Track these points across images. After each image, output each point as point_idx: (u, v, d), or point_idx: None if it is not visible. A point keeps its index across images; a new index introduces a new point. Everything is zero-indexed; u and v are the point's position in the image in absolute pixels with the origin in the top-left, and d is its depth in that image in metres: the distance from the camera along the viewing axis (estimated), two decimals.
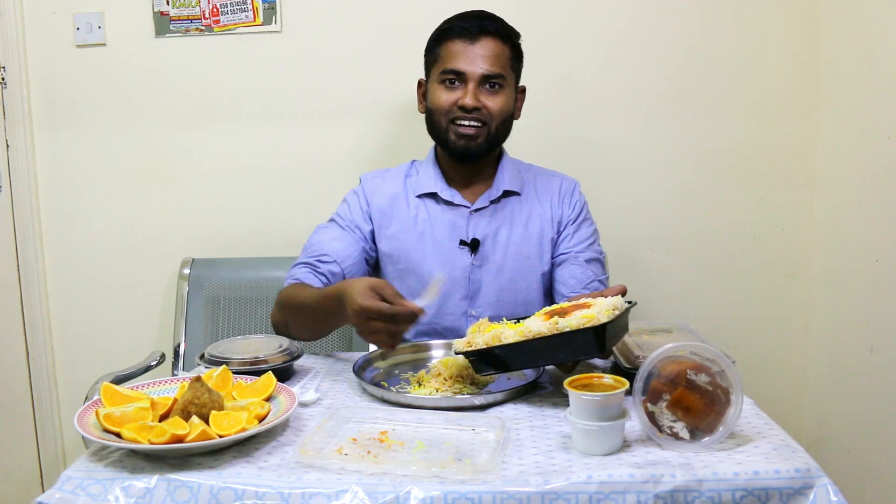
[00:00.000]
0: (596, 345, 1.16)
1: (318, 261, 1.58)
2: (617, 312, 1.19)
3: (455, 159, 1.63)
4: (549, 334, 1.18)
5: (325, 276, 1.57)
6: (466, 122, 1.57)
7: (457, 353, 1.29)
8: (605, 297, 1.24)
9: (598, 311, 1.18)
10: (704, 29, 2.07)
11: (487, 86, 1.57)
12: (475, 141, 1.58)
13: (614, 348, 1.31)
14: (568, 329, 1.17)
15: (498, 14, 1.62)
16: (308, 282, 1.55)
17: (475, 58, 1.55)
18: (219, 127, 2.15)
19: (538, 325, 1.21)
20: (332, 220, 1.68)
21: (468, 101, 1.55)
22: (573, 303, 1.28)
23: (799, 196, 2.12)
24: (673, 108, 2.10)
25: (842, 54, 1.98)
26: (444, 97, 1.58)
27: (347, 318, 1.30)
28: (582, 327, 1.16)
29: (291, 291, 1.54)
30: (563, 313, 1.22)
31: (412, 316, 1.24)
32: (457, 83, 1.57)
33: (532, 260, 1.65)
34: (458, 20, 1.59)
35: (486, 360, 1.26)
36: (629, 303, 1.27)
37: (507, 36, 1.59)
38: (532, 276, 1.65)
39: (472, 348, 1.26)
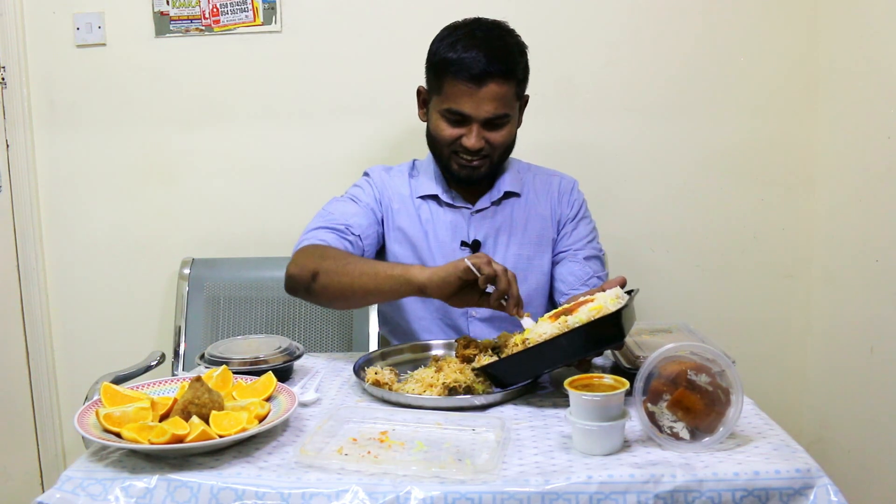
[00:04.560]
0: (618, 331, 1.17)
1: (347, 229, 1.56)
2: (622, 302, 1.20)
3: (455, 182, 1.64)
4: (575, 327, 1.18)
5: (351, 245, 1.55)
6: (469, 158, 1.56)
7: (475, 371, 1.28)
8: (604, 290, 1.26)
9: (604, 301, 1.20)
10: (704, 29, 2.07)
11: (491, 124, 1.54)
12: (478, 171, 1.58)
13: None
14: (579, 324, 1.18)
15: (499, 17, 1.59)
16: (336, 246, 1.52)
17: (480, 101, 1.50)
18: (219, 127, 2.15)
19: (547, 327, 1.22)
20: (347, 197, 1.66)
21: (472, 143, 1.53)
22: (575, 302, 1.28)
23: (799, 196, 2.12)
24: (673, 108, 2.10)
25: (842, 54, 1.98)
26: (447, 131, 1.55)
27: (439, 275, 1.31)
28: (602, 316, 1.17)
29: (333, 250, 1.49)
30: (568, 312, 1.23)
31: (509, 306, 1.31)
32: (460, 122, 1.54)
33: (533, 260, 1.65)
34: (464, 50, 1.49)
35: (509, 370, 1.25)
36: (630, 291, 1.28)
37: (511, 74, 1.52)
38: (533, 276, 1.65)
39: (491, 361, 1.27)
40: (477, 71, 1.49)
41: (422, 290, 1.34)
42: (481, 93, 1.50)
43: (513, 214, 1.66)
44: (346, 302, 1.51)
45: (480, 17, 1.58)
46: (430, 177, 1.67)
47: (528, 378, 1.27)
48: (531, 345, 1.23)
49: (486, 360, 1.30)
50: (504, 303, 1.31)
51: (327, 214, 1.59)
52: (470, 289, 1.31)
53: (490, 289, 1.31)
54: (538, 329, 1.24)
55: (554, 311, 1.28)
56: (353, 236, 1.56)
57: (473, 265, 1.28)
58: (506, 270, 1.30)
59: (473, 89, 1.50)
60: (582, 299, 1.27)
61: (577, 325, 1.19)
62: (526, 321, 1.31)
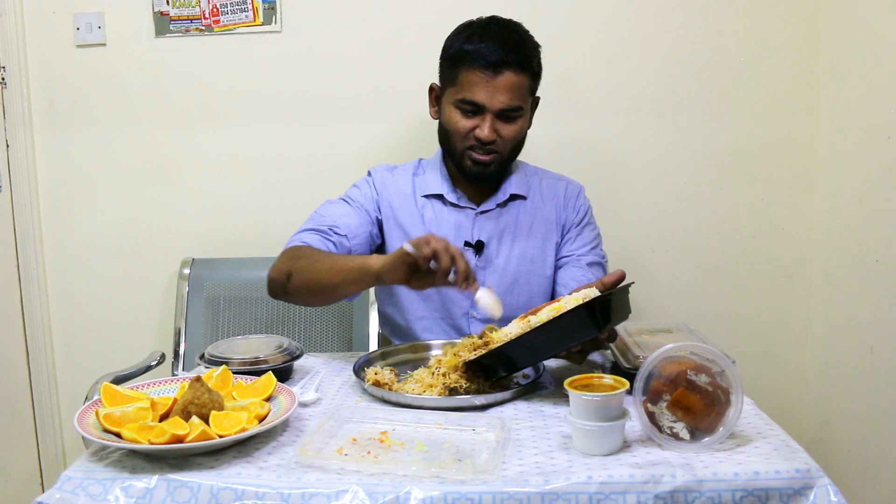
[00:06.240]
0: (591, 322, 1.17)
1: (331, 230, 1.57)
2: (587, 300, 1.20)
3: (466, 179, 1.64)
4: (547, 321, 1.20)
5: (335, 245, 1.55)
6: (481, 152, 1.56)
7: (465, 364, 1.29)
8: (603, 283, 1.26)
9: (567, 303, 1.21)
10: (704, 29, 2.07)
11: (505, 116, 1.55)
12: (489, 167, 1.58)
13: (614, 348, 1.32)
14: (539, 322, 1.20)
15: (500, 15, 1.59)
16: (317, 247, 1.53)
17: (495, 91, 1.51)
18: (219, 127, 2.15)
19: (513, 327, 1.26)
20: (341, 198, 1.67)
21: (486, 134, 1.53)
22: (544, 303, 1.30)
23: (799, 196, 2.12)
24: (673, 108, 2.10)
25: (842, 54, 1.98)
26: (460, 123, 1.56)
27: (388, 261, 1.31)
28: (570, 308, 1.18)
29: (307, 250, 1.51)
30: (534, 313, 1.25)
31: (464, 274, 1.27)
32: (474, 113, 1.55)
33: (536, 263, 1.65)
34: (480, 41, 1.51)
35: (496, 363, 1.26)
36: (619, 287, 1.28)
37: (527, 65, 1.54)
38: (535, 279, 1.65)
39: (476, 355, 1.27)
40: (493, 59, 1.50)
41: (378, 278, 1.34)
42: (497, 82, 1.51)
43: (518, 217, 1.66)
44: (319, 297, 1.53)
45: (495, 15, 1.59)
46: (437, 176, 1.67)
47: (516, 370, 1.28)
48: (496, 344, 1.25)
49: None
50: (451, 280, 1.28)
51: (317, 217, 1.61)
52: (423, 271, 1.30)
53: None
54: (505, 329, 1.27)
55: (523, 313, 1.29)
56: (338, 236, 1.56)
57: (411, 246, 1.27)
58: (447, 246, 1.27)
59: (489, 77, 1.51)
60: (548, 302, 1.29)
61: (556, 315, 1.20)
62: (479, 293, 1.29)
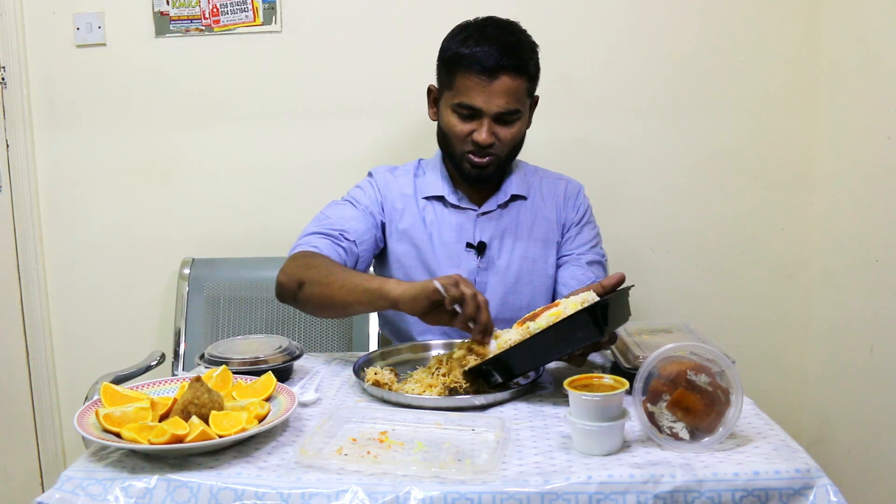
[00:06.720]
0: (594, 326, 1.17)
1: (341, 235, 1.56)
2: (587, 304, 1.20)
3: (465, 181, 1.64)
4: (548, 326, 1.20)
5: (345, 251, 1.55)
6: (479, 155, 1.56)
7: (466, 371, 1.28)
8: (603, 286, 1.27)
9: (565, 306, 1.21)
10: (704, 29, 2.07)
11: (502, 120, 1.54)
12: (487, 169, 1.58)
13: (614, 348, 1.32)
14: (538, 328, 1.21)
15: (499, 14, 1.59)
16: (327, 253, 1.52)
17: (491, 95, 1.51)
18: (219, 127, 2.15)
19: (511, 333, 1.26)
20: (346, 200, 1.66)
21: (483, 138, 1.53)
22: (542, 307, 1.29)
23: (799, 196, 2.12)
24: (673, 107, 2.10)
25: (842, 54, 1.98)
26: (458, 127, 1.55)
27: (411, 292, 1.30)
28: (570, 314, 1.18)
29: (320, 259, 1.50)
30: (533, 317, 1.25)
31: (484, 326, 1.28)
32: (472, 117, 1.54)
33: (537, 263, 1.65)
34: (476, 45, 1.50)
35: (497, 370, 1.26)
36: (619, 290, 1.28)
37: (524, 68, 1.53)
38: (537, 279, 1.65)
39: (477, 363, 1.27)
40: (489, 64, 1.49)
41: (395, 305, 1.33)
42: (493, 86, 1.50)
43: (519, 217, 1.66)
44: (330, 312, 1.53)
45: (492, 16, 1.58)
46: (437, 177, 1.67)
47: (515, 377, 1.28)
48: (495, 352, 1.25)
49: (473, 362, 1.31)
50: (472, 326, 1.29)
51: (324, 219, 1.59)
52: (442, 308, 1.29)
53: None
54: (504, 336, 1.27)
55: (521, 318, 1.29)
56: (348, 242, 1.56)
57: (441, 286, 1.27)
58: (475, 295, 1.28)
59: (486, 82, 1.50)
60: (546, 306, 1.29)
61: (535, 332, 1.21)
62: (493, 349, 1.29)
